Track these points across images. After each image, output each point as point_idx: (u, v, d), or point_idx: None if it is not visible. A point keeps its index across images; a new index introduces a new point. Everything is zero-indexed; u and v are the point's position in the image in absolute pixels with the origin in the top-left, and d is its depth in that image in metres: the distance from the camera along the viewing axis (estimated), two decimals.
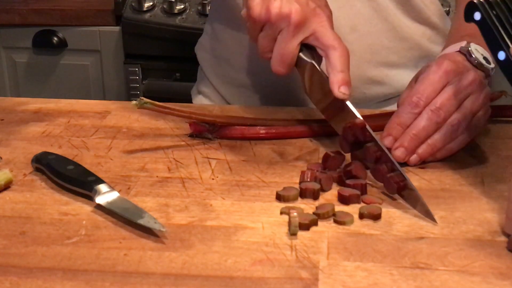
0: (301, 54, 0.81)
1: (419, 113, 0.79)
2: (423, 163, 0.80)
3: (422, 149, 0.79)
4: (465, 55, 0.83)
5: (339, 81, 0.78)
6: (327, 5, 0.83)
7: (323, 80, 0.80)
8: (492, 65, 0.84)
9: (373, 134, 0.77)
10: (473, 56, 0.82)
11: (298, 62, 0.82)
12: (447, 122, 0.79)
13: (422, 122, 0.78)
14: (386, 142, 0.79)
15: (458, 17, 1.00)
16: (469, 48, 0.83)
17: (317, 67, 0.81)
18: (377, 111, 0.95)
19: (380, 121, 0.91)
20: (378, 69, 1.03)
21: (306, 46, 0.82)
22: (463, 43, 0.84)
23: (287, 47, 0.80)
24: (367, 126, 0.77)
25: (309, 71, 0.82)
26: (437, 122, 0.78)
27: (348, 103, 0.79)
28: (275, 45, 0.81)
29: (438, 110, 0.78)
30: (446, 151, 0.80)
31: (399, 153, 0.78)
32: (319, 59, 0.82)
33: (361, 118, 0.78)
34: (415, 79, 0.83)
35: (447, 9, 1.60)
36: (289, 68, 0.81)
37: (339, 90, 0.78)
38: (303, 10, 0.79)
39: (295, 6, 0.78)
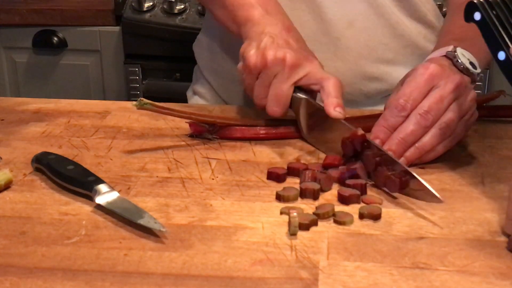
0: (294, 94, 0.85)
1: (406, 116, 0.79)
2: (416, 165, 0.80)
3: (410, 152, 0.79)
4: (451, 59, 0.83)
5: (333, 103, 0.82)
6: (316, 58, 0.88)
7: (319, 111, 0.83)
8: (478, 70, 0.84)
9: (372, 142, 0.77)
10: (459, 61, 0.83)
11: (293, 102, 0.86)
12: (435, 125, 0.79)
13: (410, 126, 0.78)
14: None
15: (448, 21, 1.01)
16: (455, 53, 0.83)
17: (311, 100, 0.85)
18: (377, 110, 0.95)
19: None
20: (375, 65, 1.03)
21: (299, 89, 0.86)
22: (450, 48, 0.85)
23: (282, 88, 0.84)
24: (367, 137, 0.77)
25: (305, 106, 0.86)
26: (425, 126, 0.78)
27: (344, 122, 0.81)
28: (270, 88, 0.85)
29: (426, 113, 0.78)
30: (433, 154, 0.80)
31: None
32: (313, 96, 0.86)
33: (361, 131, 0.78)
34: (402, 82, 0.83)
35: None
36: (284, 108, 0.85)
37: (334, 110, 0.81)
38: (297, 54, 0.85)
39: (289, 51, 0.84)
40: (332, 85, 0.83)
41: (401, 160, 0.79)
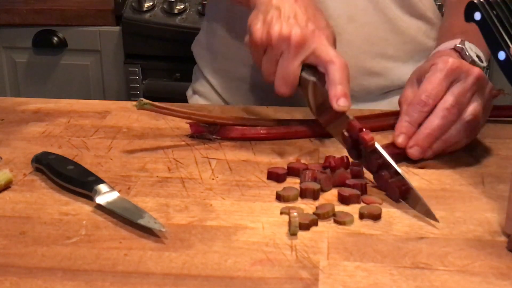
0: (303, 73, 0.83)
1: (428, 111, 0.79)
2: (420, 161, 0.80)
3: (437, 144, 0.80)
4: (459, 52, 0.84)
5: (337, 94, 0.80)
6: (327, 26, 0.85)
7: (325, 96, 0.81)
8: (485, 64, 0.85)
9: (378, 145, 0.76)
10: (468, 54, 0.83)
11: (301, 81, 0.84)
12: (462, 118, 0.79)
13: (436, 120, 0.79)
14: (400, 140, 0.79)
15: (450, 15, 1.01)
16: (464, 46, 0.84)
17: (318, 84, 0.83)
18: (377, 111, 0.96)
19: (380, 121, 0.91)
20: (375, 60, 1.04)
21: (308, 67, 0.83)
22: (458, 41, 0.85)
23: (288, 68, 0.82)
24: (377, 145, 0.76)
25: (312, 89, 0.83)
26: (452, 120, 0.79)
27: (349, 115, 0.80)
28: (277, 67, 0.83)
29: (452, 107, 0.79)
30: (457, 146, 0.81)
31: (414, 151, 0.79)
32: (321, 77, 0.83)
33: (371, 134, 0.77)
34: (416, 78, 0.84)
35: None
36: (292, 88, 0.83)
37: (337, 103, 0.79)
38: (303, 31, 0.81)
39: (294, 28, 0.81)
40: (336, 70, 0.81)
41: (428, 152, 0.80)
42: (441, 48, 0.87)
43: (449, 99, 0.79)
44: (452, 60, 0.81)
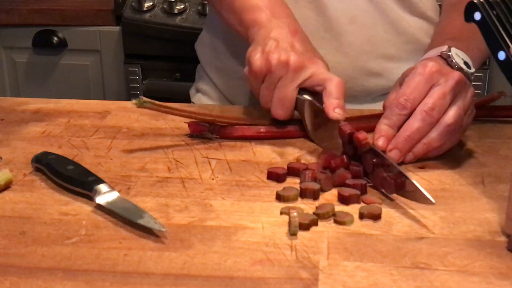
0: (298, 96, 0.86)
1: (407, 115, 0.80)
2: (420, 161, 0.80)
3: (418, 148, 0.80)
4: (445, 59, 0.84)
5: (333, 104, 0.82)
6: (322, 59, 0.89)
7: (323, 112, 0.83)
8: (472, 70, 0.85)
9: (373, 146, 0.77)
10: (454, 61, 0.83)
11: (298, 103, 0.86)
12: (443, 121, 0.79)
13: (416, 123, 0.79)
14: (380, 143, 0.79)
15: (442, 20, 1.01)
16: (450, 53, 0.84)
17: (315, 102, 0.85)
18: (377, 110, 0.96)
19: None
20: (376, 61, 1.04)
21: (304, 91, 0.86)
22: (444, 48, 0.85)
23: (286, 90, 0.85)
24: (372, 145, 0.77)
25: (308, 108, 0.86)
26: (431, 123, 0.79)
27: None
28: (275, 91, 0.85)
29: (431, 110, 0.79)
30: (439, 150, 0.81)
31: (393, 154, 0.79)
32: (317, 98, 0.86)
33: (365, 135, 0.77)
34: (400, 82, 0.84)
35: None
36: (289, 110, 0.86)
37: (333, 111, 0.81)
38: (300, 57, 0.85)
39: (293, 54, 0.85)
40: (334, 85, 0.83)
41: (408, 155, 0.79)
42: (429, 55, 0.87)
43: (428, 102, 0.79)
44: (432, 64, 0.81)
